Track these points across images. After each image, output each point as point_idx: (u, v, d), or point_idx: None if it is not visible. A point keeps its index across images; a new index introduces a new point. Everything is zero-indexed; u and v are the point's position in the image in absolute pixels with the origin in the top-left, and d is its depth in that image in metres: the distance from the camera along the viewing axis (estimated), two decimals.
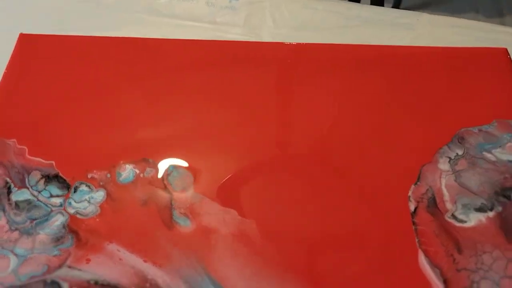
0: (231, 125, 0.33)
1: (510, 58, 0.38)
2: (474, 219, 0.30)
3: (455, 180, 0.31)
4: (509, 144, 0.33)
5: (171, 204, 0.30)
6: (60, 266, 0.27)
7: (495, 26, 0.45)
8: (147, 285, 0.27)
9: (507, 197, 0.30)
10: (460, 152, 0.32)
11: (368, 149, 0.32)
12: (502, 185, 0.31)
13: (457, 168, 0.32)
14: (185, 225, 0.29)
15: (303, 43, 0.38)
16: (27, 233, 0.28)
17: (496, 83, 0.36)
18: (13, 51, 0.37)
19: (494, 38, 0.42)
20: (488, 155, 0.32)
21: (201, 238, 0.28)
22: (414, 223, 0.29)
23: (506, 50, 0.38)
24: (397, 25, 0.44)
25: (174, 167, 0.31)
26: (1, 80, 0.34)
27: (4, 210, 0.29)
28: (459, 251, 0.28)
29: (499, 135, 0.33)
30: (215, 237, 0.28)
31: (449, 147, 0.33)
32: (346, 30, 0.44)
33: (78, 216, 0.29)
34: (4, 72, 0.35)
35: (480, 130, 0.34)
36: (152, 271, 0.27)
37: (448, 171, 0.32)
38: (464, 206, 0.30)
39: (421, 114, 0.34)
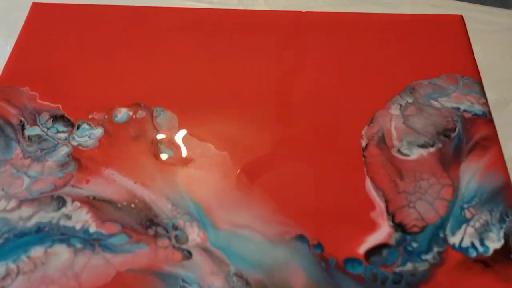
0: (220, 79, 0.38)
1: (465, 25, 0.43)
2: (416, 154, 0.35)
3: (403, 123, 0.36)
4: (454, 93, 0.38)
5: (157, 139, 0.35)
6: (64, 185, 0.33)
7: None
8: (136, 200, 0.32)
9: (447, 136, 0.35)
10: (410, 100, 0.37)
11: (329, 97, 0.37)
12: (444, 127, 0.36)
13: (406, 113, 0.37)
14: (169, 156, 0.34)
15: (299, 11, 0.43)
16: (38, 160, 0.34)
17: (449, 43, 0.41)
18: (26, 18, 0.42)
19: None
20: (435, 103, 0.37)
21: (182, 166, 0.34)
22: (364, 156, 0.34)
23: (461, 16, 0.43)
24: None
25: (162, 110, 0.36)
26: (16, 39, 0.40)
27: (19, 142, 0.35)
28: (401, 178, 0.33)
29: (446, 86, 0.38)
30: (193, 164, 0.34)
31: (400, 96, 0.38)
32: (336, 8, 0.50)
33: (80, 147, 0.34)
34: (18, 35, 0.41)
35: (429, 83, 0.39)
36: (140, 190, 0.33)
37: (398, 115, 0.37)
38: (409, 143, 0.35)
39: (377, 69, 0.39)
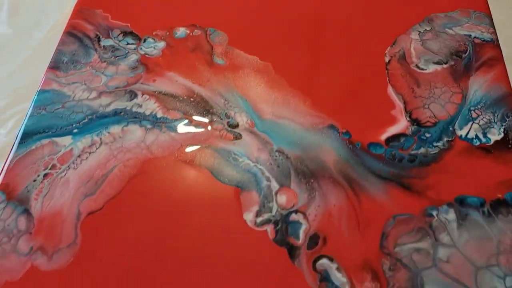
0: (264, 3, 0.45)
1: None
2: (432, 68, 0.41)
3: (421, 45, 0.42)
4: (466, 24, 0.44)
5: (211, 51, 0.42)
6: (135, 83, 0.40)
7: None
8: (194, 95, 0.39)
9: (459, 56, 0.41)
10: (428, 28, 0.43)
11: (357, 23, 0.44)
12: (457, 49, 0.42)
13: (424, 38, 0.43)
14: (221, 63, 0.41)
15: None
16: (112, 63, 0.41)
17: None
18: None
19: None
20: (449, 31, 0.43)
21: (232, 71, 0.40)
22: (387, 69, 0.41)
23: None
24: None
25: (214, 30, 0.43)
26: None
27: (96, 50, 0.42)
28: (418, 86, 0.39)
29: (459, 18, 0.44)
30: (241, 71, 0.40)
31: (419, 25, 0.44)
32: None
33: (146, 55, 0.41)
34: None
35: (445, 15, 0.44)
36: (198, 88, 0.39)
37: (417, 39, 0.43)
38: (426, 60, 0.41)
39: (401, 2, 0.45)
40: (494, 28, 0.43)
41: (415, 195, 0.33)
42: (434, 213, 0.33)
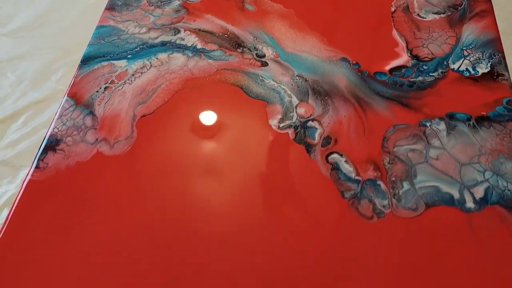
0: None
1: None
2: (431, 17, 0.48)
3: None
4: None
5: (242, 0, 0.49)
6: (178, 22, 0.47)
7: None
8: (228, 32, 0.46)
9: (455, 8, 0.48)
10: None
11: None
12: (454, 2, 0.49)
13: None
14: (251, 9, 0.48)
15: None
16: (158, 7, 0.48)
17: None
18: None
19: None
20: None
21: (260, 15, 0.48)
22: (392, 16, 0.48)
23: None
24: None
25: None
26: None
27: None
28: (418, 30, 0.46)
29: None
30: (269, 15, 0.48)
31: None
32: None
33: (188, 1, 0.49)
34: None
35: None
36: (231, 27, 0.47)
37: None
38: (426, 11, 0.48)
39: None
40: None
41: (412, 111, 0.40)
42: (428, 124, 0.39)
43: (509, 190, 0.35)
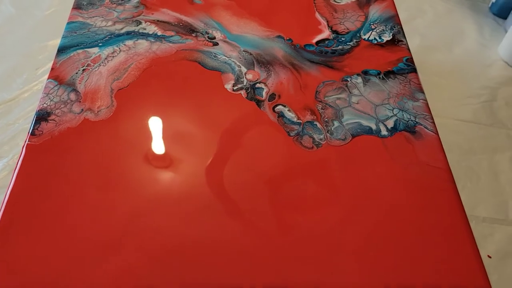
0: None
1: None
2: (344, 2, 0.60)
3: None
4: None
5: None
6: (139, 15, 0.56)
7: None
8: (182, 21, 0.56)
9: None
10: None
11: None
12: None
13: None
14: (199, 3, 0.58)
15: None
16: (120, 4, 0.57)
17: None
18: None
19: None
20: None
21: (207, 7, 0.57)
22: (314, 2, 0.59)
23: None
24: None
25: None
26: None
27: None
28: (335, 12, 0.58)
29: None
30: (214, 7, 0.58)
31: None
32: None
33: None
34: None
35: None
36: (185, 18, 0.56)
37: None
38: None
39: None
40: None
41: (336, 70, 0.51)
42: (348, 79, 0.51)
43: (411, 121, 0.47)
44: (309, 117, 0.47)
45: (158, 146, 0.44)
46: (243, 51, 0.53)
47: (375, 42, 0.54)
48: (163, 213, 0.39)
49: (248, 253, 0.37)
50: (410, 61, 0.52)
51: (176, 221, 0.39)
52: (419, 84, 0.50)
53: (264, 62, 0.52)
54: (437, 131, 0.46)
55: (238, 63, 0.51)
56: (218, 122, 0.46)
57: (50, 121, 0.45)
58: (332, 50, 0.53)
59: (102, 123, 0.45)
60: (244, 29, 0.55)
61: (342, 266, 0.37)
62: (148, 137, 0.45)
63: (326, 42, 0.54)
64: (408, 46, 0.55)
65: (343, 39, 0.55)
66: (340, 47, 0.54)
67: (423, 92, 0.49)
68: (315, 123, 0.46)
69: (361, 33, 0.55)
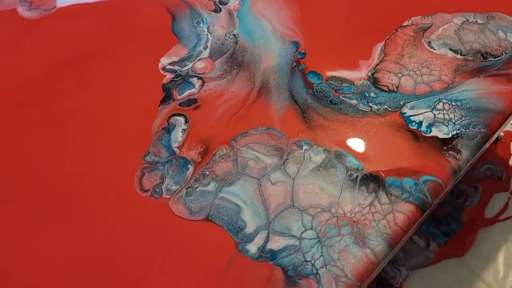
0: None
1: None
2: (442, 51, 0.36)
3: (455, 31, 0.37)
4: None
5: None
6: None
7: None
8: None
9: (484, 57, 0.35)
10: (480, 21, 0.38)
11: None
12: (490, 51, 0.36)
13: (465, 27, 0.37)
14: None
15: None
16: None
17: None
18: None
19: None
20: (501, 33, 0.37)
21: None
22: (396, 30, 0.37)
23: None
24: None
25: None
26: None
27: None
28: (410, 56, 0.36)
29: None
30: None
31: (474, 15, 0.38)
32: None
33: None
34: None
35: (510, 21, 0.38)
36: None
37: (457, 24, 0.38)
38: (444, 43, 0.36)
39: None
40: None
41: (305, 125, 0.32)
42: (306, 147, 0.31)
43: None
44: (192, 153, 0.31)
45: None
46: (233, 34, 0.37)
47: (414, 126, 0.31)
48: None
49: None
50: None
51: None
52: None
53: (237, 61, 0.36)
54: None
55: (208, 44, 0.37)
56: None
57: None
58: (337, 98, 0.33)
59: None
60: (268, 12, 0.39)
61: None
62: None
63: (343, 85, 0.34)
64: (459, 166, 0.30)
65: (372, 94, 0.33)
66: (354, 101, 0.33)
67: None
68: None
69: (408, 104, 0.33)
